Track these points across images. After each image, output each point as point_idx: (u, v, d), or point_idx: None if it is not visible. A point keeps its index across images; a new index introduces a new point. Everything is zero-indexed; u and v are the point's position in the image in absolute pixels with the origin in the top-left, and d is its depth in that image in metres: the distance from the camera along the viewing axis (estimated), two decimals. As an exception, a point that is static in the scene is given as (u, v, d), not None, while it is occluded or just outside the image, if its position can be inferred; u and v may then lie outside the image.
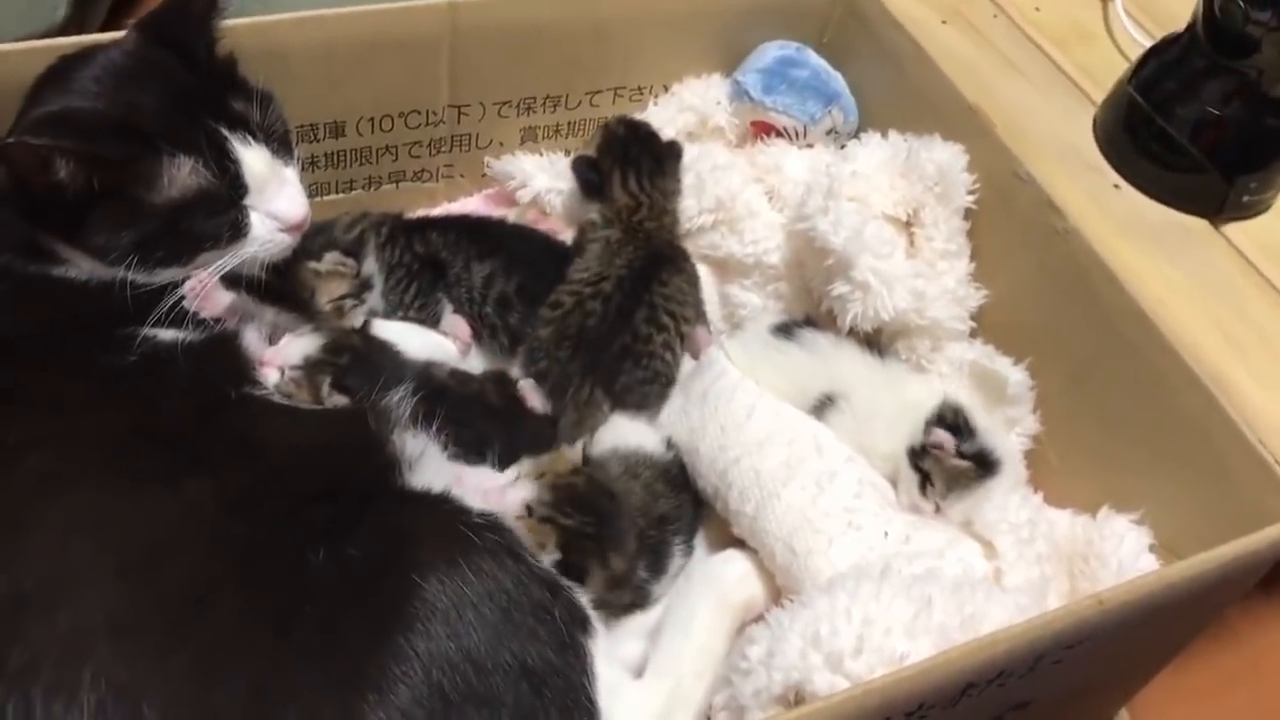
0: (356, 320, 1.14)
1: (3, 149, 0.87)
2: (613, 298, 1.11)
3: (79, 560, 0.75)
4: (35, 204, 0.89)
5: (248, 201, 0.94)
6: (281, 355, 0.99)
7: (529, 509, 0.92)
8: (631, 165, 1.20)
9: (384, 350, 1.07)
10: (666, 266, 1.15)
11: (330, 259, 1.12)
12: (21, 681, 0.69)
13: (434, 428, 0.96)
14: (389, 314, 1.17)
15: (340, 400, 0.98)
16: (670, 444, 1.07)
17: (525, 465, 0.96)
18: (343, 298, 1.13)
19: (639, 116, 1.32)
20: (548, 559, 0.88)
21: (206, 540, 0.78)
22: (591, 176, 1.21)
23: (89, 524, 0.77)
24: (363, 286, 1.16)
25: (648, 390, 1.10)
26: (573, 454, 0.98)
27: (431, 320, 1.17)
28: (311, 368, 0.99)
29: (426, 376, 1.06)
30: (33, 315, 0.91)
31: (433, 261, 1.18)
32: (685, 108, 1.30)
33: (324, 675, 0.72)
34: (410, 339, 1.11)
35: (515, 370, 1.12)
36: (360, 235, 1.18)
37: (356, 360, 1.02)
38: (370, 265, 1.17)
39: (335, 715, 0.71)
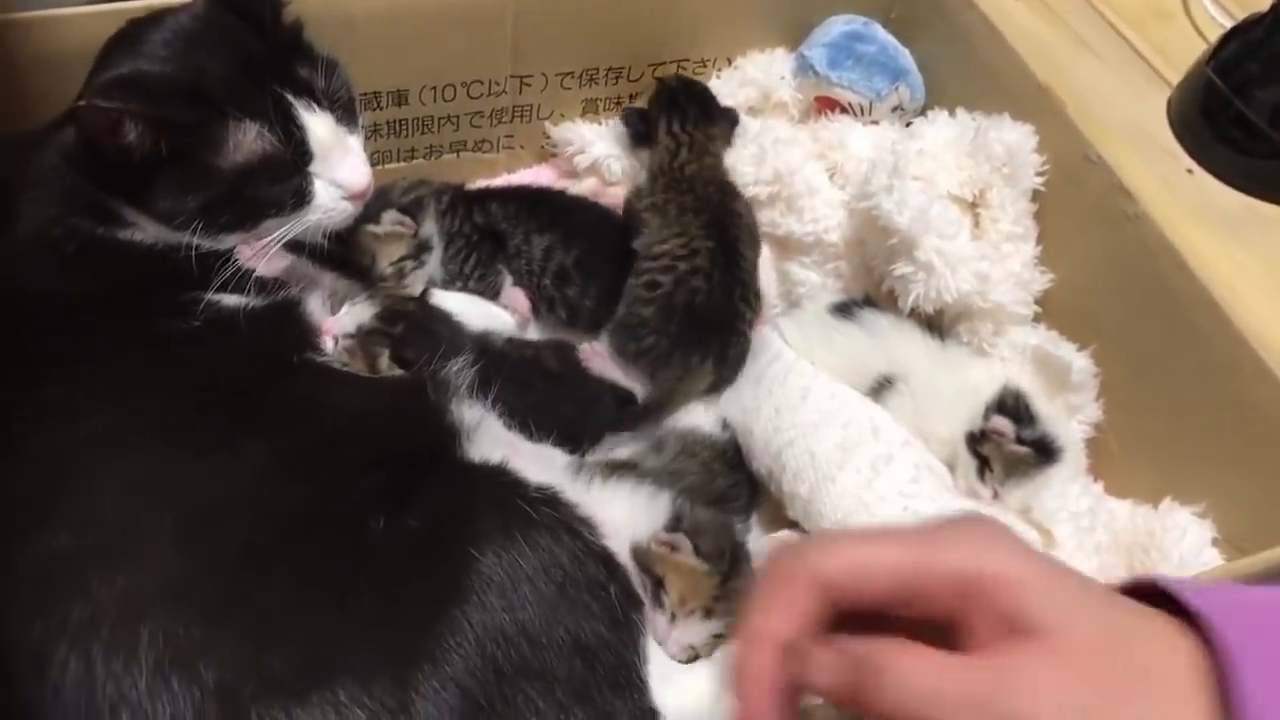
0: (418, 284, 1.14)
1: (75, 111, 0.88)
2: (714, 274, 1.09)
3: (137, 520, 0.76)
4: (104, 167, 0.89)
5: (312, 168, 0.94)
6: (339, 324, 1.00)
7: (719, 637, 0.89)
8: (677, 111, 1.19)
9: (442, 318, 1.07)
10: (742, 238, 1.13)
11: (389, 218, 1.12)
12: (83, 636, 0.71)
13: (490, 398, 0.96)
14: (448, 284, 1.17)
15: (398, 371, 0.98)
16: (725, 424, 1.07)
17: (669, 599, 0.89)
18: (402, 259, 1.14)
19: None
20: None
21: (264, 504, 0.79)
22: (639, 125, 1.21)
23: (148, 484, 0.78)
24: (421, 248, 1.16)
25: (740, 365, 1.09)
26: (686, 558, 0.90)
27: (490, 291, 1.17)
28: (365, 337, 0.99)
29: (484, 344, 1.06)
30: (100, 277, 0.91)
31: (492, 233, 1.18)
32: (748, 82, 1.29)
33: (379, 644, 0.73)
34: (469, 310, 1.11)
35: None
36: (418, 199, 1.18)
37: (413, 329, 1.01)
38: (429, 227, 1.17)
39: (389, 684, 0.72)
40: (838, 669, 0.50)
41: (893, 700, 0.47)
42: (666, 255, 1.10)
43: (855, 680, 0.48)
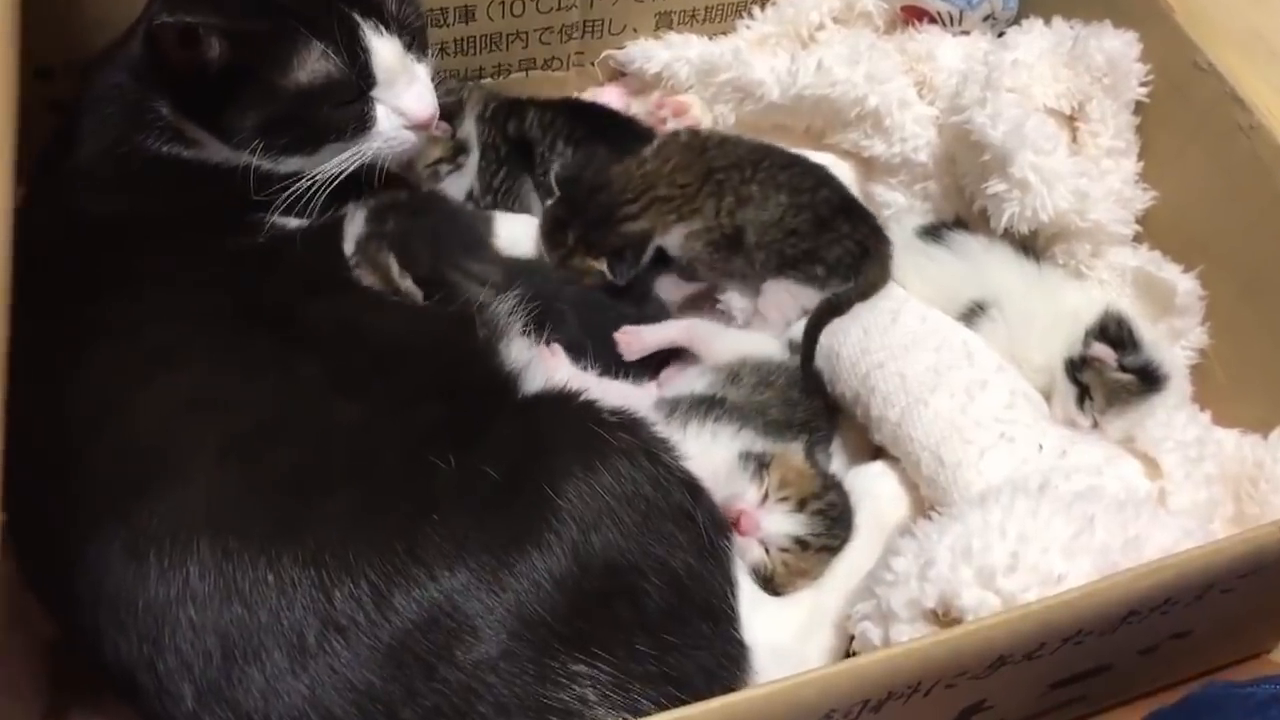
0: (455, 190, 1.12)
1: (144, 27, 0.87)
2: (820, 188, 1.07)
3: (185, 441, 0.75)
4: (172, 83, 0.88)
5: (375, 94, 0.92)
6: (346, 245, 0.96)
7: (802, 543, 0.88)
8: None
9: (439, 204, 1.03)
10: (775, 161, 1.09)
11: None
12: (135, 560, 0.71)
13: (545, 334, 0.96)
14: (481, 194, 1.15)
15: (412, 286, 0.94)
16: (793, 348, 1.04)
17: (770, 480, 0.89)
18: (438, 162, 1.11)
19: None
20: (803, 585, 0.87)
21: (318, 424, 0.78)
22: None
23: (197, 400, 0.77)
24: (458, 149, 1.13)
25: None
26: (797, 458, 0.93)
27: (518, 208, 1.14)
28: (365, 244, 0.95)
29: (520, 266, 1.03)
30: (164, 197, 0.91)
31: (522, 142, 1.14)
32: (831, -9, 1.23)
33: (455, 582, 0.71)
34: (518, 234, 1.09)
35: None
36: (458, 100, 1.15)
37: (405, 220, 0.97)
38: (468, 128, 1.14)
39: None
40: None
41: None
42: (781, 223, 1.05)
43: None
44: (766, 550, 0.87)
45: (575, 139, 1.13)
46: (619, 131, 1.16)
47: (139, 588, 0.70)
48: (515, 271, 1.01)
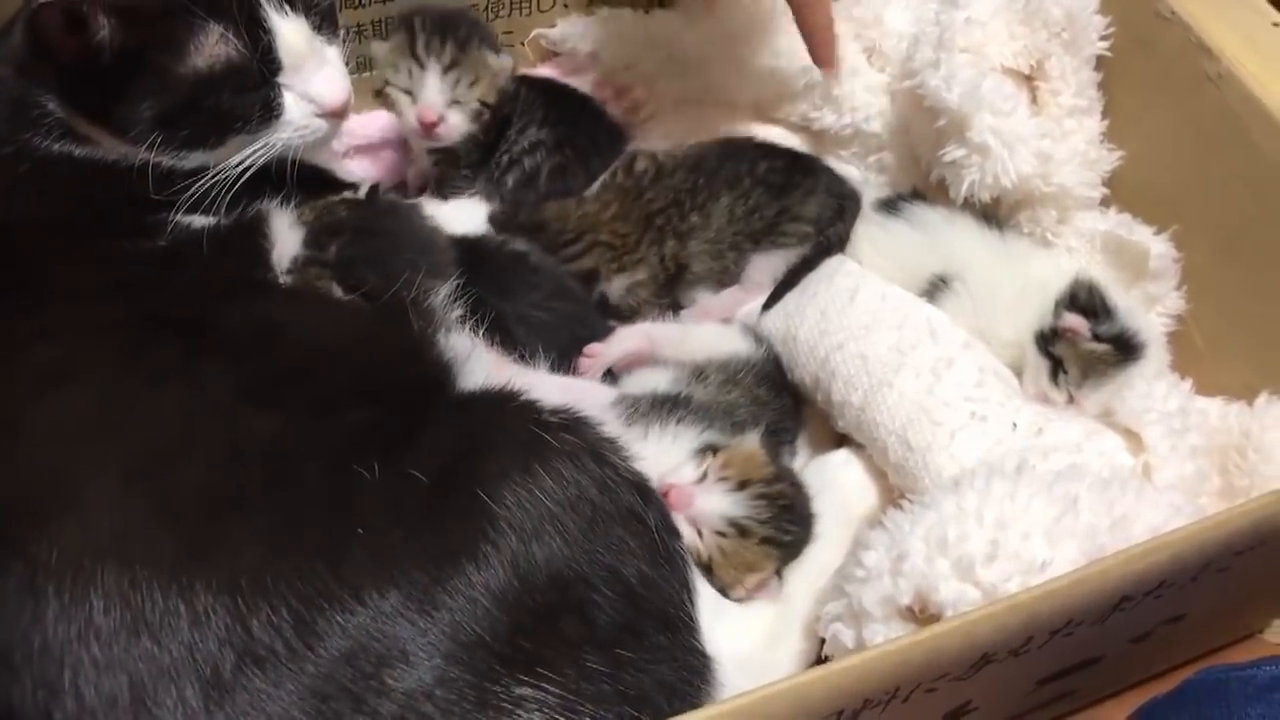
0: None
1: (35, 11, 0.81)
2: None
3: (83, 463, 0.69)
4: (59, 74, 0.83)
5: (281, 80, 0.87)
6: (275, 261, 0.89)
7: (740, 528, 0.83)
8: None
9: (389, 212, 0.97)
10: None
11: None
12: (31, 600, 0.65)
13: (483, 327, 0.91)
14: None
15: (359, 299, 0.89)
16: (757, 338, 1.00)
17: (713, 461, 0.85)
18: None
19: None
20: (752, 583, 0.83)
21: (230, 437, 0.72)
22: None
23: (95, 418, 0.72)
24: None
25: None
26: (752, 444, 0.88)
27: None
28: (303, 270, 0.88)
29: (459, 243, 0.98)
30: (55, 198, 0.86)
31: (503, 118, 1.09)
32: (770, -46, 1.19)
33: (378, 615, 0.66)
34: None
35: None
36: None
37: (353, 244, 0.90)
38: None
39: None
40: None
41: None
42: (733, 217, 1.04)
43: None
44: (700, 534, 0.82)
45: (550, 122, 1.10)
46: (592, 122, 1.13)
47: (35, 628, 0.64)
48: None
